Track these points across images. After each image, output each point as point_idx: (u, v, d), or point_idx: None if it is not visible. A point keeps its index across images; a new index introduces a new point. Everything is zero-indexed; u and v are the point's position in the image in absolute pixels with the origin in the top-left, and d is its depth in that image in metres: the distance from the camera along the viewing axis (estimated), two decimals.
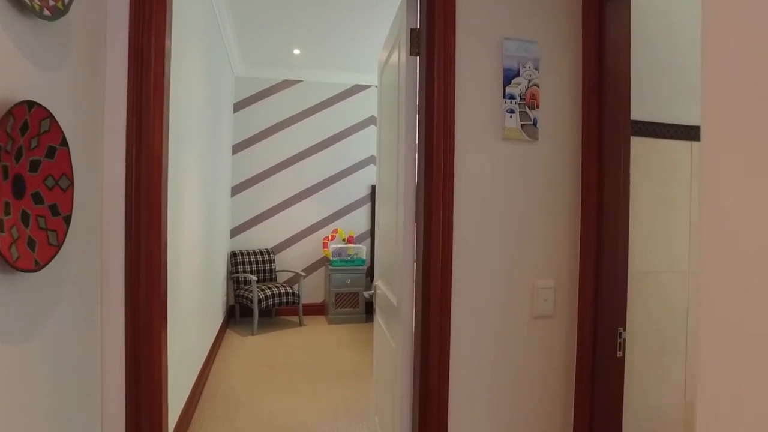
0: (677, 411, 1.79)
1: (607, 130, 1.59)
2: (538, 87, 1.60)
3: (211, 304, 4.02)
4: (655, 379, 1.76)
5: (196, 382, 3.10)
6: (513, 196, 1.58)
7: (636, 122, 1.71)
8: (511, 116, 1.57)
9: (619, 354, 1.59)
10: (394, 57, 1.89)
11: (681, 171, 1.79)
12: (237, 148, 5.59)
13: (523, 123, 1.58)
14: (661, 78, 1.76)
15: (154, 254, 1.35)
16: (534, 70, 1.59)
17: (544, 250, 1.61)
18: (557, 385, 1.63)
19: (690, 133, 1.79)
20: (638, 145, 1.72)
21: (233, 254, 5.33)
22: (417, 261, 1.61)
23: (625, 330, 1.59)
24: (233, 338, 4.70)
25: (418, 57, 1.65)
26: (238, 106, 5.58)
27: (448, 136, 1.53)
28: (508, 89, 1.57)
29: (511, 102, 1.57)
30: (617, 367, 1.60)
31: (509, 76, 1.57)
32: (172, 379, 2.36)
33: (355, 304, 5.42)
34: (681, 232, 1.78)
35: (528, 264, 1.60)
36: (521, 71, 1.58)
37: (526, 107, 1.59)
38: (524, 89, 1.59)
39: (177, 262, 2.49)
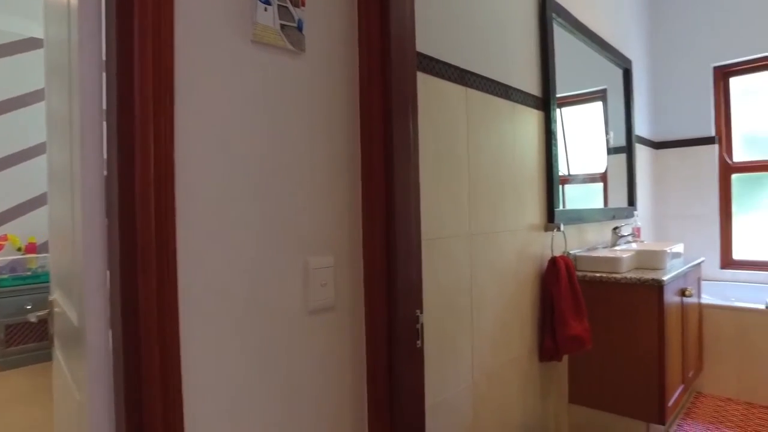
0: (469, 392, 1.55)
1: (393, 53, 1.20)
2: None
3: None
4: (450, 364, 1.48)
5: None
6: (271, 135, 1.03)
7: (417, 54, 1.39)
8: (266, 9, 1.02)
9: (419, 344, 1.23)
10: None
11: (459, 120, 1.56)
12: None
13: (283, 23, 1.05)
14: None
15: None
16: None
17: (317, 215, 1.12)
18: (348, 398, 1.17)
19: (464, 77, 1.58)
20: (420, 84, 1.40)
21: None
22: (111, 239, 0.91)
23: (422, 312, 1.24)
24: None
25: None
26: None
27: (163, 29, 0.88)
28: None
29: None
30: (417, 361, 1.23)
31: None
32: None
33: (42, 337, 3.95)
34: (462, 191, 1.55)
35: (297, 236, 1.08)
36: None
37: (288, 1, 1.07)
38: None
39: None
